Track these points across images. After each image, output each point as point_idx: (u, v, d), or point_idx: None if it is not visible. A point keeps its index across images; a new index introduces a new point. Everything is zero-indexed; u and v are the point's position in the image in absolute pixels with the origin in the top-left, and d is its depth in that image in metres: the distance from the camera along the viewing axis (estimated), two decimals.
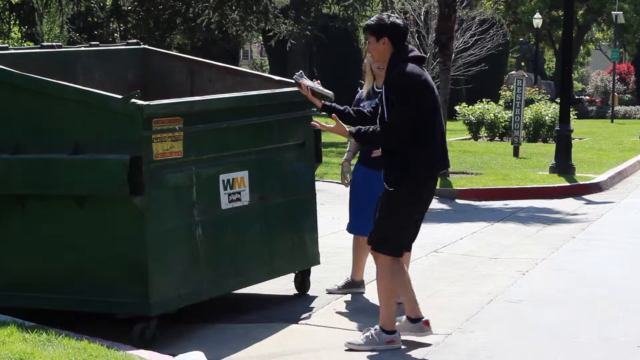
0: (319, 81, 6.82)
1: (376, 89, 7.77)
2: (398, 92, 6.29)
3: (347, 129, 6.51)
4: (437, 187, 14.99)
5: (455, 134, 27.65)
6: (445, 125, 17.52)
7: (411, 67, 6.36)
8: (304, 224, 7.85)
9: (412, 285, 6.66)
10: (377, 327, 6.48)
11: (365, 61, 7.93)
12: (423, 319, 6.68)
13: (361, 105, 7.79)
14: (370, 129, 6.44)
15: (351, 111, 6.77)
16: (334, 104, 6.74)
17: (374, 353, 6.40)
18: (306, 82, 6.69)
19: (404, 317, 6.73)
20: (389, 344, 6.45)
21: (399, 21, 6.48)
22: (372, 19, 6.57)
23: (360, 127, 6.51)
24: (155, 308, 6.48)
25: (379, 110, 6.50)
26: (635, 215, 13.19)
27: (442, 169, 6.54)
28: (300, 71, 6.91)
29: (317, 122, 6.73)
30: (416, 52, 6.46)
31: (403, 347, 6.58)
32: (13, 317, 6.51)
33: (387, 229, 6.45)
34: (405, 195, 6.40)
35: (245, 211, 7.22)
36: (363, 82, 7.98)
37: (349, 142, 7.97)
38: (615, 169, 18.17)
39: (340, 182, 8.01)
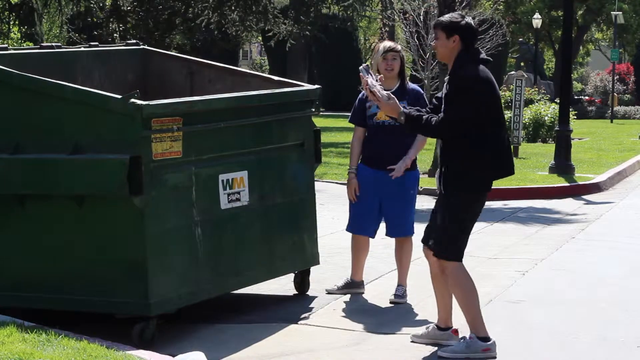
0: (381, 76, 6.68)
1: None
2: (460, 92, 6.21)
3: (401, 109, 6.31)
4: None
5: None
6: None
7: (481, 70, 6.30)
8: (304, 224, 7.84)
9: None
10: (470, 334, 6.31)
11: (370, 62, 7.92)
12: (452, 328, 6.62)
13: (367, 105, 7.79)
14: (424, 117, 6.29)
15: (420, 109, 6.57)
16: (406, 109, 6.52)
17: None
18: (369, 79, 6.48)
19: (432, 325, 6.66)
20: (484, 352, 6.28)
21: (472, 22, 6.40)
22: (445, 16, 6.44)
23: (412, 110, 6.38)
24: (155, 308, 6.48)
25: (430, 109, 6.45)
26: (635, 215, 13.19)
27: (505, 174, 6.41)
28: (367, 64, 6.70)
29: (376, 92, 6.34)
30: (484, 55, 6.38)
31: (402, 347, 6.58)
32: (13, 317, 6.51)
33: (452, 235, 6.32)
34: (467, 201, 6.31)
35: (245, 211, 7.22)
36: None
37: (351, 152, 7.91)
38: (615, 169, 18.17)
39: (349, 194, 7.90)
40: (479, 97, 6.22)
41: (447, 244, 6.33)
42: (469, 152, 6.23)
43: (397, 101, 6.37)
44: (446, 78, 6.40)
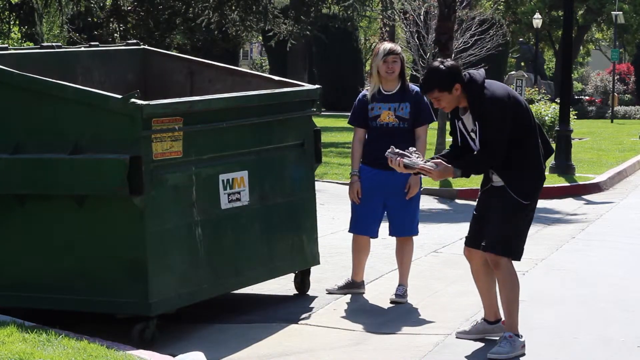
0: (413, 149, 6.52)
1: (383, 92, 7.77)
2: (494, 115, 6.27)
3: (453, 168, 6.36)
4: (437, 187, 15.09)
5: None
6: (445, 125, 17.55)
7: (493, 86, 6.33)
8: (304, 224, 7.84)
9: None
10: (509, 334, 6.40)
11: (370, 64, 7.91)
12: (502, 320, 6.69)
13: (369, 107, 7.79)
14: (472, 160, 6.40)
15: (450, 152, 6.58)
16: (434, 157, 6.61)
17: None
18: (405, 160, 6.39)
19: (480, 319, 6.75)
20: (523, 348, 6.42)
21: (450, 63, 6.40)
22: (429, 77, 6.37)
23: (461, 161, 6.40)
24: (155, 308, 6.48)
25: (461, 137, 6.47)
26: (635, 215, 13.18)
27: (547, 158, 6.60)
28: (392, 148, 6.51)
29: (424, 167, 6.35)
30: (482, 74, 6.39)
31: (402, 347, 6.58)
32: (13, 317, 6.51)
33: (507, 234, 6.44)
34: (534, 202, 6.52)
35: (245, 211, 7.22)
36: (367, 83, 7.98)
37: (352, 154, 7.91)
38: (615, 169, 18.16)
39: (351, 197, 7.90)
40: (507, 112, 6.29)
41: (502, 241, 6.44)
42: (522, 161, 6.38)
43: (443, 163, 6.38)
44: (465, 116, 6.39)
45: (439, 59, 6.53)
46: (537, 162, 6.44)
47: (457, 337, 6.75)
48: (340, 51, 45.19)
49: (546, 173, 18.08)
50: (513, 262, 6.50)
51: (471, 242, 6.65)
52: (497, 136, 6.28)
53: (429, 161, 6.44)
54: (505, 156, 6.32)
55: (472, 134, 6.40)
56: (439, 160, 6.41)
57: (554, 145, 18.11)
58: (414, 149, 6.58)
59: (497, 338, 6.58)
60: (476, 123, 6.35)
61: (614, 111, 43.78)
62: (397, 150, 6.48)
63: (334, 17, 34.18)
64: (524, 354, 6.38)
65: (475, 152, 6.42)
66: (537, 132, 6.47)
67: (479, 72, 6.43)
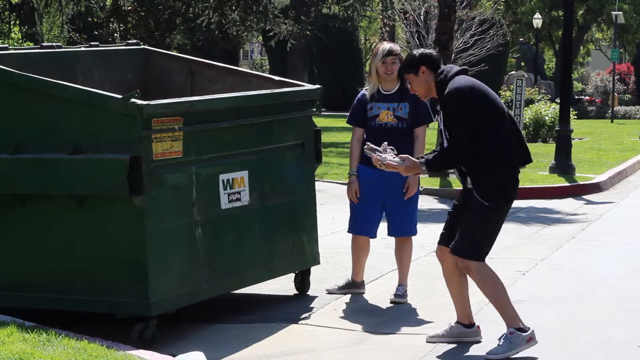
0: (391, 148, 6.59)
1: (382, 91, 7.78)
2: (454, 109, 6.28)
3: (417, 160, 6.42)
4: (437, 187, 15.09)
5: None
6: None
7: (457, 80, 6.34)
8: (304, 224, 7.84)
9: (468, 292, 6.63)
10: (510, 330, 6.32)
11: (369, 65, 7.92)
12: (477, 325, 6.67)
13: (368, 107, 7.79)
14: (438, 155, 6.40)
15: (428, 155, 6.60)
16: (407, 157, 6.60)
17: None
18: (378, 156, 6.48)
19: (454, 322, 6.69)
20: (529, 342, 6.31)
21: (427, 50, 6.53)
22: (405, 59, 6.60)
23: (428, 156, 6.44)
24: (155, 308, 6.48)
25: (440, 135, 6.51)
26: (635, 215, 13.19)
27: (523, 165, 6.50)
28: (368, 145, 6.63)
29: (389, 163, 6.46)
30: (457, 68, 6.45)
31: (402, 347, 6.58)
32: (13, 317, 6.51)
33: (477, 238, 6.38)
34: (497, 204, 6.37)
35: (245, 211, 7.22)
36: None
37: (350, 154, 7.92)
38: (615, 169, 18.17)
39: (349, 196, 7.90)
40: (468, 106, 6.27)
41: (472, 244, 6.38)
42: (486, 161, 6.29)
43: (410, 158, 6.44)
44: (438, 107, 6.48)
45: (415, 51, 6.62)
46: (506, 162, 6.31)
47: (427, 342, 6.66)
48: (340, 51, 45.19)
49: (546, 173, 18.00)
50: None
51: (443, 239, 6.59)
52: (460, 129, 6.25)
53: (397, 157, 6.46)
54: (473, 154, 6.26)
55: (445, 131, 6.40)
56: (406, 155, 6.46)
57: (554, 145, 18.30)
58: (386, 143, 6.63)
59: (476, 341, 6.58)
60: (441, 114, 6.38)
61: (614, 111, 43.79)
62: (372, 146, 6.57)
63: (334, 17, 34.21)
64: (531, 346, 6.29)
65: (445, 149, 6.40)
66: (510, 132, 6.35)
67: (453, 67, 6.47)
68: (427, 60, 6.44)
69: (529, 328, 6.35)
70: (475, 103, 6.28)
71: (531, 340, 6.33)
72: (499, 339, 6.37)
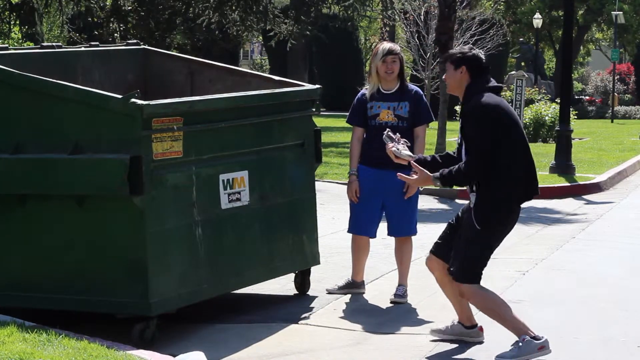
0: (404, 140, 6.63)
1: (382, 91, 7.78)
2: (474, 124, 6.21)
3: (432, 175, 6.32)
4: (437, 187, 15.05)
5: (455, 134, 27.55)
6: (445, 125, 17.58)
7: (487, 96, 6.27)
8: (304, 224, 7.84)
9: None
10: (523, 337, 6.20)
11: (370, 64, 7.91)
12: (479, 326, 6.65)
13: (368, 106, 7.79)
14: (454, 170, 6.28)
15: (437, 157, 6.57)
16: (419, 156, 6.59)
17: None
18: (394, 147, 6.51)
19: (456, 321, 6.67)
20: (540, 350, 6.20)
21: (481, 55, 6.44)
22: (454, 49, 6.52)
23: (443, 169, 6.33)
24: (155, 308, 6.48)
25: (458, 145, 6.45)
26: (635, 215, 13.19)
27: (527, 199, 6.38)
28: (388, 130, 6.70)
29: (401, 175, 6.48)
30: (494, 82, 6.39)
31: (402, 347, 6.58)
32: (13, 317, 6.51)
33: (470, 260, 6.30)
34: (490, 230, 6.29)
35: (245, 211, 7.22)
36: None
37: (350, 153, 7.92)
38: (615, 169, 18.17)
39: (349, 196, 7.90)
40: (492, 125, 6.18)
41: (467, 267, 6.31)
42: (497, 183, 6.21)
43: (424, 171, 6.34)
44: (459, 108, 6.43)
45: (469, 46, 6.54)
46: (510, 192, 6.23)
47: (430, 333, 6.70)
48: (340, 51, 45.19)
49: (546, 173, 17.99)
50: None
51: (436, 249, 6.55)
52: (480, 147, 6.15)
53: (408, 150, 6.48)
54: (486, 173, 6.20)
55: (463, 142, 6.34)
56: (420, 167, 6.36)
57: (554, 145, 18.29)
58: (399, 135, 6.63)
59: (478, 342, 6.59)
60: (461, 121, 6.31)
61: (614, 111, 43.79)
62: (391, 134, 6.59)
63: (334, 17, 34.22)
64: (542, 355, 6.18)
65: (461, 165, 6.29)
66: (524, 163, 6.28)
67: (490, 81, 6.39)
68: (471, 64, 6.34)
69: (543, 337, 6.22)
70: (499, 124, 6.19)
71: (543, 348, 6.21)
72: (512, 345, 6.31)
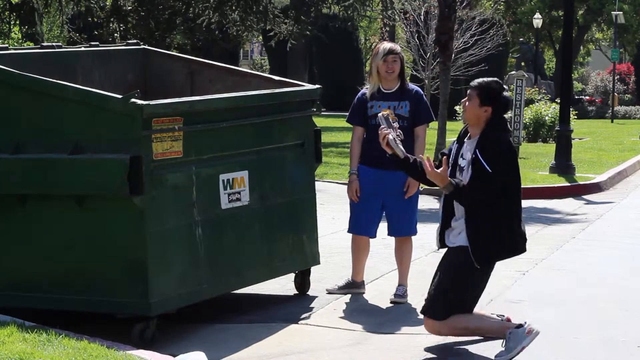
0: (400, 132, 6.62)
1: (383, 90, 7.78)
2: (497, 156, 6.22)
3: (449, 180, 6.27)
4: (437, 187, 15.04)
5: (455, 134, 27.56)
6: (445, 125, 17.57)
7: (506, 138, 6.35)
8: (304, 224, 7.84)
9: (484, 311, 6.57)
10: (508, 332, 6.23)
11: (370, 64, 7.92)
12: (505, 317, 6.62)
13: (368, 105, 7.80)
14: (462, 185, 6.28)
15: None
16: (411, 156, 6.59)
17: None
18: (387, 132, 6.47)
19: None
20: (529, 334, 6.21)
21: (508, 95, 6.44)
22: (485, 80, 6.43)
23: (459, 180, 6.32)
24: (155, 308, 6.48)
25: (453, 164, 6.43)
26: (635, 215, 13.19)
27: (513, 253, 6.46)
28: (388, 113, 6.65)
29: (427, 162, 6.34)
30: (506, 121, 6.43)
31: (402, 347, 6.58)
32: (13, 317, 6.51)
33: (451, 298, 6.32)
34: (479, 269, 6.33)
35: (245, 211, 7.22)
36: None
37: (350, 153, 7.92)
38: (615, 169, 18.18)
39: (350, 195, 7.90)
40: (509, 165, 6.26)
41: (443, 304, 6.31)
42: (492, 223, 6.25)
43: (443, 172, 6.29)
44: (468, 140, 6.38)
45: (495, 80, 6.48)
46: (512, 224, 6.31)
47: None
48: (340, 51, 45.21)
49: (546, 173, 17.96)
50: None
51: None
52: (495, 176, 6.16)
53: (400, 143, 6.46)
54: (482, 205, 6.23)
55: (463, 162, 6.35)
56: (445, 167, 6.28)
57: (554, 145, 18.29)
58: (400, 132, 6.60)
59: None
60: (476, 152, 6.25)
61: (614, 111, 43.82)
62: (390, 119, 6.53)
63: (334, 17, 34.23)
64: (533, 337, 6.20)
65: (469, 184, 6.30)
66: (518, 208, 6.36)
67: (504, 120, 6.43)
68: (498, 107, 6.33)
69: (525, 322, 6.27)
70: (514, 165, 6.30)
71: (531, 331, 6.24)
72: (502, 344, 6.33)
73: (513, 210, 6.33)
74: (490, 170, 6.17)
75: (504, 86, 6.47)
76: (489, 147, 6.24)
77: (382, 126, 6.54)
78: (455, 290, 6.33)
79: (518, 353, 6.22)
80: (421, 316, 7.38)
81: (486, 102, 6.32)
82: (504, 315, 6.49)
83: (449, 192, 6.32)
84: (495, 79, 6.47)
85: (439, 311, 6.34)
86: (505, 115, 6.48)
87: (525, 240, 6.45)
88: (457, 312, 6.34)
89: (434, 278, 6.47)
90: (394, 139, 6.48)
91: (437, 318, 6.34)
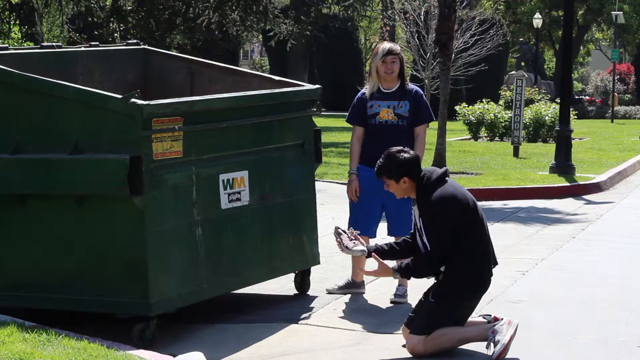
0: (357, 233, 6.72)
1: (382, 90, 7.79)
2: (435, 217, 6.31)
3: (391, 267, 6.46)
4: None
5: (455, 134, 27.66)
6: (445, 125, 17.59)
7: (440, 191, 6.36)
8: (304, 224, 7.85)
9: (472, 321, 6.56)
10: (489, 331, 6.29)
11: (370, 64, 7.93)
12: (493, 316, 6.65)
13: (367, 105, 7.80)
14: (412, 262, 6.41)
15: (394, 245, 6.66)
16: (376, 245, 6.70)
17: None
18: (344, 240, 6.63)
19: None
20: (510, 325, 6.29)
21: (408, 155, 6.49)
22: (379, 162, 6.54)
23: (402, 261, 6.48)
24: (155, 308, 6.48)
25: (415, 235, 6.52)
26: (635, 215, 13.18)
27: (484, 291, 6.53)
28: (336, 227, 6.79)
29: (364, 271, 6.73)
30: (437, 173, 6.45)
31: (402, 347, 6.58)
32: (13, 317, 6.51)
33: (434, 317, 6.36)
34: (460, 300, 6.42)
35: (245, 211, 7.22)
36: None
37: (350, 153, 7.93)
38: (615, 169, 18.17)
39: (349, 195, 7.91)
40: (451, 216, 6.30)
41: (428, 321, 6.34)
42: (458, 270, 6.34)
43: (383, 263, 6.49)
44: (414, 208, 6.52)
45: (399, 148, 6.55)
46: (480, 267, 6.40)
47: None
48: (340, 51, 45.24)
49: (546, 173, 17.95)
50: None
51: (410, 321, 6.53)
52: (440, 239, 6.29)
53: (359, 245, 6.56)
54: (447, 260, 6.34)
55: (419, 227, 6.44)
56: (382, 262, 6.48)
57: (554, 145, 18.30)
58: (358, 232, 6.74)
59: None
60: (421, 219, 6.40)
61: (614, 111, 43.82)
62: (340, 230, 6.67)
63: (334, 17, 34.26)
64: (515, 326, 6.27)
65: (416, 255, 6.43)
66: (484, 237, 6.44)
67: (435, 171, 6.48)
68: (410, 172, 6.46)
69: (501, 317, 6.37)
70: (457, 214, 6.32)
71: (511, 322, 6.32)
72: (487, 347, 6.34)
73: (479, 250, 6.41)
74: (435, 237, 6.30)
75: (405, 151, 6.51)
76: (426, 212, 6.37)
77: (336, 240, 6.66)
78: (439, 316, 6.39)
79: (510, 341, 6.23)
80: None
81: (398, 176, 6.47)
82: (490, 315, 6.51)
83: (400, 276, 6.52)
84: (388, 151, 6.53)
85: (421, 329, 6.39)
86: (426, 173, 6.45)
87: (491, 275, 6.54)
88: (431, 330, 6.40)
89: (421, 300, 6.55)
90: (347, 247, 6.61)
91: (418, 333, 6.37)
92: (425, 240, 6.37)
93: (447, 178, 6.48)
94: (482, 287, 6.49)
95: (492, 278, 6.53)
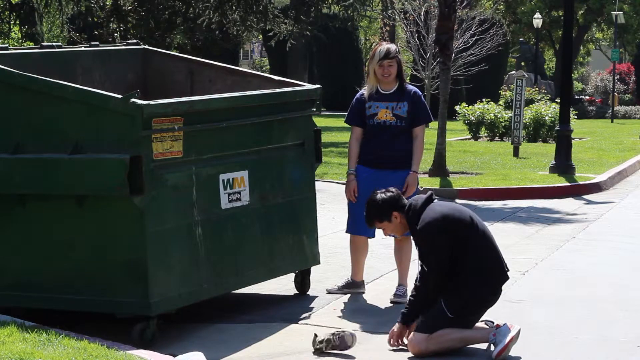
0: (342, 335, 6.55)
1: (381, 91, 7.78)
2: (428, 244, 6.39)
3: (399, 321, 6.53)
4: (437, 187, 15.09)
5: (455, 134, 27.65)
6: (445, 125, 17.60)
7: (426, 214, 6.44)
8: (304, 224, 7.84)
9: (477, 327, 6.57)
10: (490, 334, 6.33)
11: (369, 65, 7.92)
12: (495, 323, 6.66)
13: (366, 105, 7.80)
14: (414, 296, 6.50)
15: (410, 297, 6.63)
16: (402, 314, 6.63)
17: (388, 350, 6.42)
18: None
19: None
20: (512, 327, 6.31)
21: (386, 193, 6.61)
22: (366, 209, 6.69)
23: (403, 311, 6.53)
24: (155, 308, 6.48)
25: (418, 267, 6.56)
26: (635, 215, 13.19)
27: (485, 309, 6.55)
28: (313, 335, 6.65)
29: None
30: (423, 198, 6.53)
31: (402, 347, 6.58)
32: (13, 317, 6.51)
33: (435, 324, 6.39)
34: (461, 318, 6.43)
35: (245, 211, 7.22)
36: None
37: (349, 153, 7.93)
38: (615, 169, 18.17)
39: (347, 196, 7.90)
40: (442, 236, 6.37)
41: (430, 324, 6.38)
42: (462, 284, 6.39)
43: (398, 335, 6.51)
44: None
45: (374, 192, 6.67)
46: (478, 286, 6.41)
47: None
48: (340, 51, 45.24)
49: (546, 173, 17.96)
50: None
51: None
52: (437, 261, 6.35)
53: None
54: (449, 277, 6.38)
55: (422, 263, 6.48)
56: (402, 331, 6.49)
57: (554, 145, 18.31)
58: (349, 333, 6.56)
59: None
60: (418, 248, 6.49)
61: (614, 111, 43.83)
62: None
63: (334, 17, 34.22)
64: (517, 330, 6.29)
65: (414, 288, 6.50)
66: (487, 250, 6.49)
67: (420, 199, 6.55)
68: (396, 206, 6.58)
69: (503, 323, 6.38)
70: (449, 231, 6.38)
71: (513, 326, 6.35)
72: (487, 348, 6.36)
73: (486, 258, 6.48)
74: (432, 260, 6.36)
75: (372, 198, 6.62)
76: (418, 242, 6.48)
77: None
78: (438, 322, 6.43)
79: (510, 342, 6.24)
80: None
81: (387, 215, 6.60)
82: (492, 322, 6.51)
83: (405, 320, 6.52)
84: (366, 202, 6.67)
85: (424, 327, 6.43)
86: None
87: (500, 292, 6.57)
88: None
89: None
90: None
91: (422, 331, 6.40)
92: (425, 267, 6.43)
93: (434, 199, 6.58)
94: (493, 296, 6.52)
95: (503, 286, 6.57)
